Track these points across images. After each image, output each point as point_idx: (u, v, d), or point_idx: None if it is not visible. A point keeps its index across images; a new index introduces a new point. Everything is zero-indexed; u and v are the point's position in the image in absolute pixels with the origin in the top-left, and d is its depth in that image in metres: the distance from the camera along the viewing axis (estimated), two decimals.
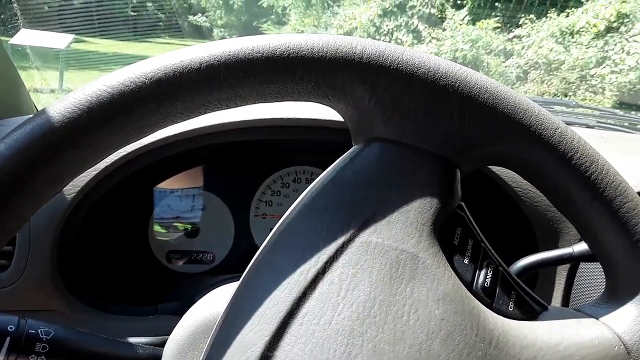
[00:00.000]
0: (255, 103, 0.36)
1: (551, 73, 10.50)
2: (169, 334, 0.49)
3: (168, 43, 20.52)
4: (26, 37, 7.93)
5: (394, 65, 0.36)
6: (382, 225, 0.37)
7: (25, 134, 0.32)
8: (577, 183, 0.38)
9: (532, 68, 10.90)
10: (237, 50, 0.34)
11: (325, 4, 17.78)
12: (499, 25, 11.93)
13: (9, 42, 7.68)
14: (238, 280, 0.38)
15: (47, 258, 0.74)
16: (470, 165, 0.40)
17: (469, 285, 0.39)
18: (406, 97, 0.37)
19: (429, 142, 0.38)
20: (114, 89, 0.33)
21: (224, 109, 0.36)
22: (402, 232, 0.37)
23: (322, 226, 0.37)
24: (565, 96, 10.00)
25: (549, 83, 10.49)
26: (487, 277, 0.40)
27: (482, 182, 0.77)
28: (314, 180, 0.87)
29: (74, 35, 8.76)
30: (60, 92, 7.85)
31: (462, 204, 0.41)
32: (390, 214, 0.38)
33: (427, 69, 0.36)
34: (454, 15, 13.18)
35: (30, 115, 0.34)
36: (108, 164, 0.74)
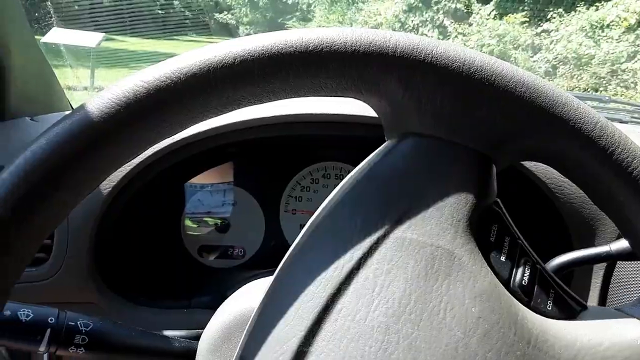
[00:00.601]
0: (287, 98, 0.36)
1: (581, 68, 10.28)
2: (202, 328, 0.50)
3: (195, 41, 20.75)
4: (58, 35, 8.11)
5: (428, 59, 0.35)
6: (417, 221, 0.37)
7: (65, 129, 0.32)
8: (618, 178, 0.37)
9: (561, 63, 10.68)
10: (270, 44, 0.34)
11: (350, 0, 17.74)
12: (527, 19, 11.72)
13: (41, 41, 7.86)
14: (270, 275, 0.38)
15: (85, 252, 0.75)
16: (507, 160, 0.39)
17: (506, 283, 0.38)
18: (441, 90, 0.36)
19: (464, 137, 0.37)
20: (150, 84, 0.33)
21: (257, 104, 0.36)
22: (437, 228, 0.37)
23: (356, 222, 0.37)
24: (596, 91, 9.78)
25: (579, 78, 10.27)
26: (525, 275, 0.39)
27: (516, 178, 0.76)
28: (343, 176, 0.87)
29: (104, 33, 8.92)
30: (91, 89, 8.02)
31: (498, 200, 0.40)
32: (425, 210, 0.37)
33: (462, 62, 0.36)
34: (480, 9, 13.01)
35: (68, 112, 0.34)
36: (142, 159, 0.75)
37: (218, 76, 0.34)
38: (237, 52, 0.34)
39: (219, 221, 0.94)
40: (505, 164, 0.40)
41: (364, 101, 0.39)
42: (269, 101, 0.36)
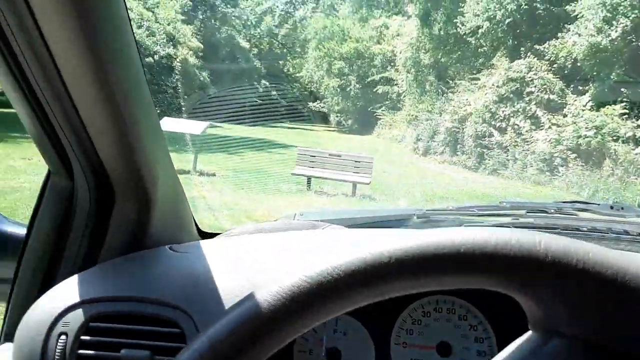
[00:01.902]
0: (433, 289, 0.40)
1: None
2: None
3: (288, 127, 21.84)
4: (169, 124, 8.92)
5: (580, 265, 0.37)
6: None
7: (235, 319, 0.40)
8: None
9: None
10: (424, 246, 0.38)
11: (440, 90, 18.02)
12: (627, 111, 11.29)
13: None
14: None
15: None
16: None
17: None
18: (595, 296, 0.37)
19: (620, 343, 0.38)
20: (312, 279, 0.40)
21: (401, 294, 0.40)
22: None
23: None
24: None
25: None
26: None
27: None
28: (455, 310, 0.90)
29: (209, 122, 9.67)
30: (193, 173, 8.63)
31: None
32: None
33: (616, 271, 0.37)
34: (575, 100, 12.74)
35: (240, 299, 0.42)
36: None
37: (372, 272, 0.39)
38: (392, 252, 0.39)
39: (330, 350, 0.93)
40: None
41: (512, 295, 0.41)
42: (415, 292, 0.40)
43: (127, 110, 0.75)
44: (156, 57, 18.07)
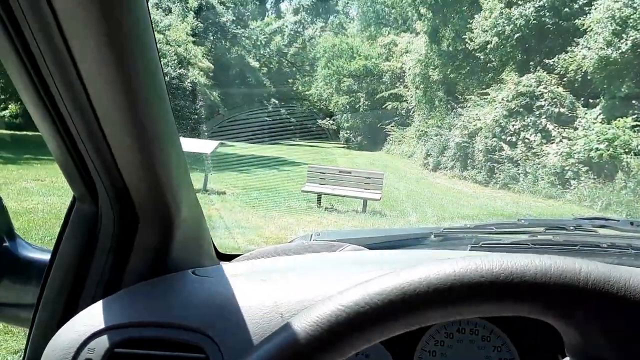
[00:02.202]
0: (470, 317, 0.40)
1: None
2: None
3: (298, 144, 21.95)
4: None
5: (621, 292, 0.37)
6: None
7: (273, 350, 0.40)
8: None
9: None
10: (462, 274, 0.39)
11: (449, 106, 18.05)
12: (638, 123, 11.23)
13: None
14: None
15: None
16: None
17: None
18: (635, 323, 0.37)
19: None
20: (350, 309, 0.39)
21: (440, 322, 0.41)
22: None
23: None
24: None
25: None
26: None
27: None
28: (478, 331, 0.89)
29: (219, 141, 9.73)
30: (203, 192, 8.67)
31: None
32: None
33: None
34: (586, 114, 12.70)
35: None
36: None
37: (412, 304, 0.39)
38: (430, 281, 0.39)
39: None
40: None
41: (550, 322, 0.41)
42: (453, 319, 0.42)
43: (152, 133, 0.76)
44: (167, 78, 18.24)
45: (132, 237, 0.88)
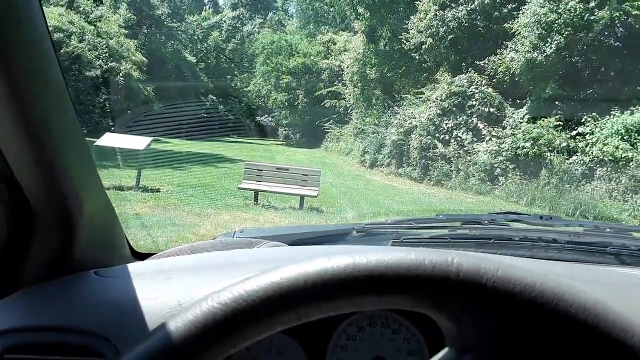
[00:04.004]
0: (352, 311, 0.41)
1: (619, 170, 10.21)
2: None
3: (236, 141, 21.70)
4: (111, 139, 8.67)
5: (490, 283, 0.38)
6: None
7: (144, 353, 0.39)
8: None
9: (598, 165, 10.64)
10: (339, 269, 0.39)
11: (386, 104, 18.38)
12: (560, 123, 11.87)
13: (94, 144, 8.42)
14: None
15: None
16: None
17: None
18: (504, 313, 0.39)
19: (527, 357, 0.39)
20: (227, 306, 0.39)
21: (322, 317, 0.40)
22: None
23: None
24: (636, 193, 9.64)
25: (617, 180, 10.17)
26: None
27: None
28: (389, 324, 0.90)
29: (152, 138, 9.46)
30: (136, 189, 8.41)
31: None
32: None
33: (523, 287, 0.38)
34: (513, 113, 13.28)
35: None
36: None
37: (289, 299, 0.39)
38: (307, 276, 0.39)
39: None
40: None
41: (428, 314, 0.42)
42: (334, 314, 0.41)
43: (46, 131, 0.71)
44: (98, 71, 17.61)
45: (29, 238, 0.83)
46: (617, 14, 11.61)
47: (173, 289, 0.81)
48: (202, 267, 0.94)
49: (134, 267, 0.92)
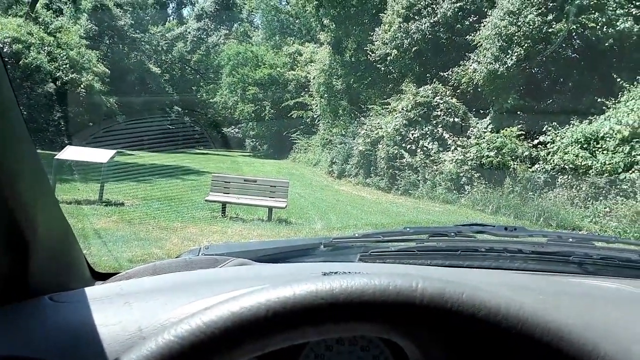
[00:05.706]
0: (316, 339, 0.40)
1: (579, 178, 10.51)
2: None
3: (202, 153, 21.45)
4: (72, 153, 8.43)
5: (454, 307, 0.38)
6: None
7: None
8: None
9: (559, 173, 10.93)
10: (302, 296, 0.37)
11: (352, 115, 18.51)
12: (523, 132, 12.17)
13: (55, 157, 8.19)
14: None
15: None
16: None
17: None
18: (468, 337, 0.39)
19: None
20: (185, 340, 0.37)
21: (289, 344, 0.39)
22: None
23: None
24: (596, 200, 9.92)
25: (578, 188, 10.46)
26: None
27: None
28: (357, 342, 0.88)
29: (115, 150, 9.26)
30: (99, 204, 8.20)
31: None
32: None
33: (487, 311, 0.38)
34: (477, 123, 13.55)
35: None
36: None
37: (251, 330, 0.37)
38: (270, 305, 0.37)
39: None
40: None
41: (393, 339, 0.41)
42: (297, 342, 0.39)
43: None
44: (58, 82, 17.19)
45: None
46: (574, 27, 12.01)
47: (132, 313, 0.77)
48: (163, 289, 0.90)
49: (91, 291, 0.87)
